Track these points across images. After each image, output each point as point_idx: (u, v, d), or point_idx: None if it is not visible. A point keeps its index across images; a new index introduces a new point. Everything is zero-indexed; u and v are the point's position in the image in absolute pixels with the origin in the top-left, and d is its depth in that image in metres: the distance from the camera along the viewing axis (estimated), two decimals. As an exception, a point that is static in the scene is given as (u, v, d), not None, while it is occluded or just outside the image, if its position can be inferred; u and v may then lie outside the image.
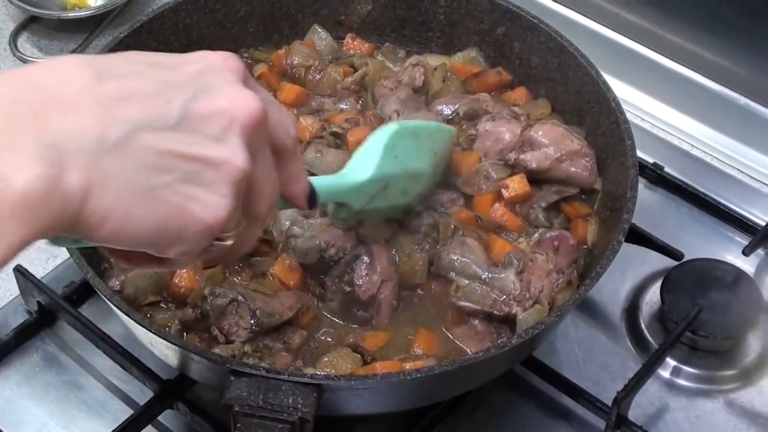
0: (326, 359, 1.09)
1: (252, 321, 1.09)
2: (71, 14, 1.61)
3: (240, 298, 1.10)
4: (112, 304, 1.04)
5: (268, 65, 1.32)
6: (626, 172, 1.13)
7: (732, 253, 1.33)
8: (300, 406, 0.95)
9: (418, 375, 1.01)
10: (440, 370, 1.01)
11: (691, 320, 1.20)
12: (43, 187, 0.69)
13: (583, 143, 1.21)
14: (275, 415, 0.95)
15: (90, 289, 1.24)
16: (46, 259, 1.32)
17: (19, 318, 1.27)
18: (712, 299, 1.23)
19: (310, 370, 1.07)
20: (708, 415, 1.21)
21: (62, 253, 1.31)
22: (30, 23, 1.65)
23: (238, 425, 0.94)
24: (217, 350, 1.07)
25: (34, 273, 1.24)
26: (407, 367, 1.08)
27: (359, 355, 1.10)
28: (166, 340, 1.01)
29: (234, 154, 0.78)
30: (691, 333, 1.21)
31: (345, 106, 1.28)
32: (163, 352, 1.07)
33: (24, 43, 1.62)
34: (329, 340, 1.13)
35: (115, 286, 1.13)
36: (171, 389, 1.15)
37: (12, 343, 1.25)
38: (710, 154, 1.45)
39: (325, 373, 1.04)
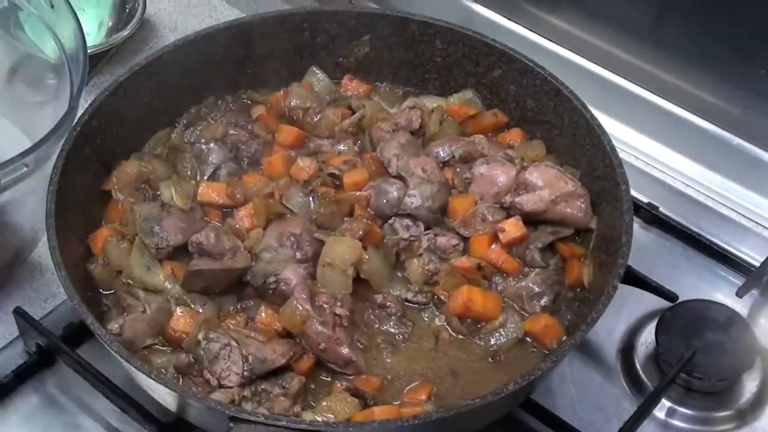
0: (325, 404, 1.10)
1: (244, 366, 1.11)
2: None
3: (233, 343, 1.12)
4: (113, 350, 1.05)
5: (267, 107, 1.34)
6: (621, 217, 1.15)
7: (726, 293, 1.34)
8: None
9: (416, 421, 1.03)
10: (437, 416, 1.03)
11: (686, 362, 1.21)
12: None
13: (578, 185, 1.23)
14: None
15: (89, 330, 1.23)
16: (45, 299, 1.34)
17: (19, 359, 1.28)
18: (706, 340, 1.25)
19: (308, 416, 1.09)
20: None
21: (61, 293, 1.32)
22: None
23: None
24: (217, 394, 1.08)
25: (32, 313, 1.26)
26: (404, 412, 1.09)
27: (357, 399, 1.11)
28: (165, 386, 1.03)
29: None
30: (685, 374, 1.22)
31: (343, 148, 1.30)
32: (162, 396, 1.08)
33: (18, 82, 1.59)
34: (329, 379, 1.15)
35: (114, 329, 1.15)
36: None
37: (11, 384, 1.25)
38: (704, 194, 1.47)
39: (323, 419, 1.06)
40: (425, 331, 1.20)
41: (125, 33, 1.52)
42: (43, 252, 1.40)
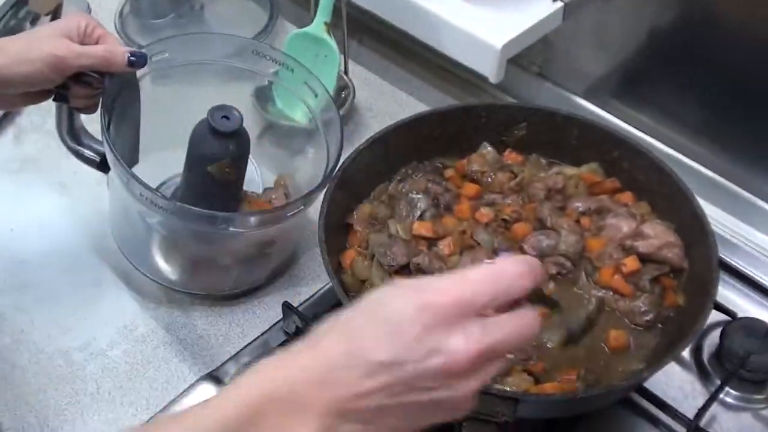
0: (510, 379, 1.22)
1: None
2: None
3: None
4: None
5: (455, 170, 1.45)
6: (710, 260, 1.27)
7: (766, 315, 1.45)
8: (506, 412, 1.10)
9: (581, 395, 1.18)
10: (595, 392, 1.19)
11: (744, 361, 1.34)
12: None
13: (676, 237, 1.34)
14: (488, 417, 1.09)
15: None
16: (299, 297, 1.46)
17: (282, 337, 1.39)
18: (755, 346, 1.36)
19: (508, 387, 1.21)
20: (748, 425, 1.35)
21: (308, 292, 1.47)
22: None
23: (464, 424, 1.07)
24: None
25: (293, 304, 1.38)
26: (563, 386, 1.22)
27: (531, 377, 1.23)
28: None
29: None
30: (741, 369, 1.34)
31: (509, 201, 1.41)
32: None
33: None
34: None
35: None
36: None
37: None
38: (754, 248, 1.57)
39: (520, 390, 1.19)
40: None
41: (341, 112, 1.57)
42: (299, 266, 1.53)
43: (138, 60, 1.21)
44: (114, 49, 1.18)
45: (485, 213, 1.40)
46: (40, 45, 1.13)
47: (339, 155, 1.35)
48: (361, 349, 0.74)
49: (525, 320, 0.78)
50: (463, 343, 0.74)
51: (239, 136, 1.30)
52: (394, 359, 0.73)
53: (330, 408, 0.73)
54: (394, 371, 0.73)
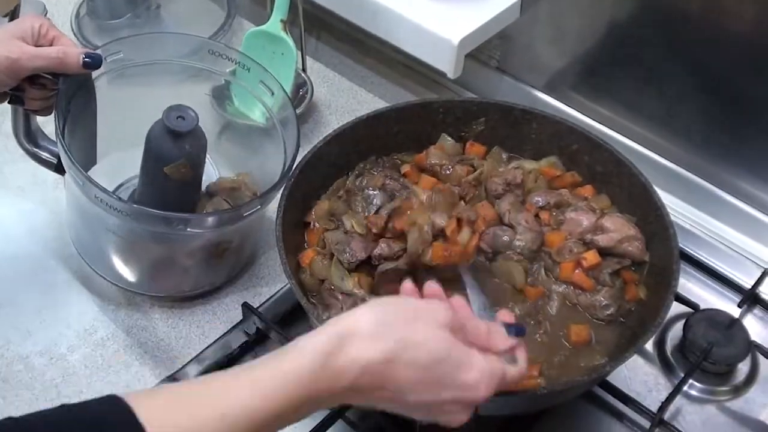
0: None
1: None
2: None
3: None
4: (317, 322, 1.16)
5: (411, 165, 1.43)
6: (671, 252, 1.25)
7: (729, 305, 1.44)
8: None
9: (542, 391, 1.16)
10: (556, 388, 1.17)
11: (707, 353, 1.33)
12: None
13: (637, 230, 1.32)
14: None
15: (294, 316, 1.35)
16: (259, 297, 1.44)
17: (242, 338, 1.37)
18: (717, 338, 1.35)
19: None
20: (712, 417, 1.34)
21: (269, 292, 1.44)
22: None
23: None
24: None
25: (253, 304, 1.36)
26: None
27: None
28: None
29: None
30: (704, 361, 1.33)
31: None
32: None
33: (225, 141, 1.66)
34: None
35: (323, 319, 1.24)
36: None
37: (237, 355, 1.35)
38: (711, 236, 1.56)
39: None
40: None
41: (300, 110, 1.60)
42: (258, 265, 1.52)
43: (93, 61, 1.19)
44: (68, 50, 1.17)
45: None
46: None
47: (296, 154, 1.34)
48: (399, 382, 0.87)
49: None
50: (465, 418, 0.93)
51: (195, 136, 1.29)
52: (418, 406, 0.90)
53: (341, 403, 0.88)
54: (408, 410, 0.92)
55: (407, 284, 0.97)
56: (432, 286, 0.96)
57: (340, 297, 1.29)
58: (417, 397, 0.86)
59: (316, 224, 1.38)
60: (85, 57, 1.23)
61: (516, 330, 0.96)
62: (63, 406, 0.83)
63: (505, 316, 0.98)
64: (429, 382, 0.86)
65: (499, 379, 0.90)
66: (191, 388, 0.88)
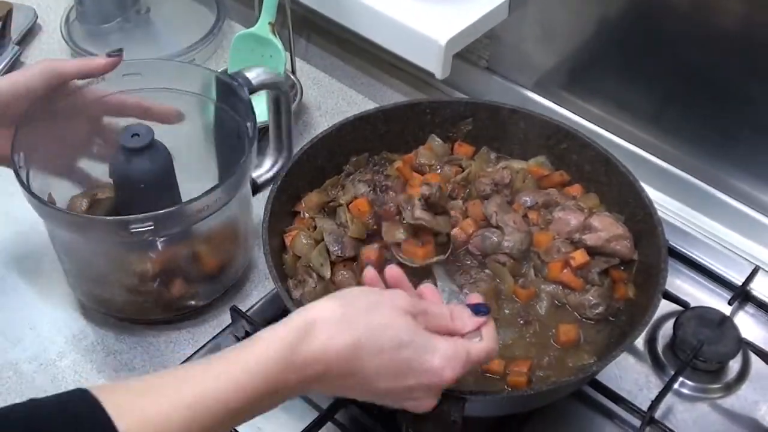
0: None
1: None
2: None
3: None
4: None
5: (403, 162, 1.42)
6: (659, 251, 1.25)
7: (720, 303, 1.44)
8: (453, 411, 1.06)
9: (530, 392, 1.15)
10: (544, 388, 1.15)
11: (697, 351, 1.32)
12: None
13: (625, 229, 1.31)
14: (436, 418, 1.05)
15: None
16: (247, 302, 1.43)
17: (231, 342, 1.35)
18: (708, 335, 1.34)
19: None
20: (703, 415, 1.33)
21: (257, 295, 1.44)
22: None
23: (414, 423, 1.05)
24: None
25: (242, 308, 1.35)
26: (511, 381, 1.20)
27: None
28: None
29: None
30: (695, 359, 1.32)
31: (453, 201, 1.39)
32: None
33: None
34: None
35: (296, 297, 1.27)
36: None
37: None
38: (703, 233, 1.56)
39: (468, 390, 1.14)
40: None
41: None
42: (246, 269, 1.50)
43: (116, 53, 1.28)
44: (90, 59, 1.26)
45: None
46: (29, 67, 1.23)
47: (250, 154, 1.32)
48: (366, 370, 0.89)
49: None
50: (434, 403, 0.98)
51: (155, 150, 1.28)
52: (386, 393, 0.93)
53: (308, 390, 0.90)
54: (376, 397, 0.95)
55: (369, 271, 1.03)
56: (393, 268, 1.02)
57: (314, 276, 1.30)
58: (384, 383, 0.88)
59: (306, 214, 1.37)
60: (107, 54, 1.28)
61: (479, 309, 0.98)
62: (32, 401, 0.82)
63: (473, 298, 1.00)
64: (395, 368, 0.88)
65: (463, 360, 0.92)
66: (160, 380, 0.87)
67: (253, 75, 1.33)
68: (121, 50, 1.28)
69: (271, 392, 0.84)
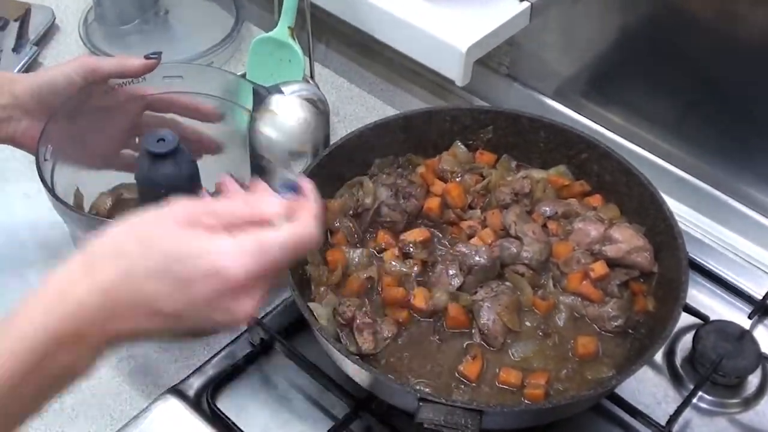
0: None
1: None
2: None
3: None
4: (325, 340, 1.17)
5: (426, 167, 1.42)
6: (680, 263, 1.24)
7: (740, 316, 1.43)
8: (470, 424, 1.07)
9: (548, 405, 1.15)
10: (562, 402, 1.16)
11: (716, 365, 1.31)
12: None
13: (645, 241, 1.30)
14: (453, 430, 1.07)
15: (297, 327, 1.34)
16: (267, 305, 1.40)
17: (247, 348, 1.36)
18: (728, 349, 1.33)
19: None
20: (722, 430, 1.32)
21: (280, 299, 1.41)
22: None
23: None
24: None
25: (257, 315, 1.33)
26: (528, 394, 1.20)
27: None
28: (360, 367, 1.15)
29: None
30: (714, 373, 1.31)
31: (473, 211, 1.41)
32: (357, 375, 1.18)
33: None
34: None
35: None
36: (362, 405, 1.25)
37: (242, 366, 1.34)
38: (723, 246, 1.54)
39: (485, 403, 1.16)
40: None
41: None
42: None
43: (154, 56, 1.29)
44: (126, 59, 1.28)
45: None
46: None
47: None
48: (146, 295, 0.80)
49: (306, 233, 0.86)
50: (251, 307, 0.83)
51: (179, 156, 1.28)
52: (180, 312, 0.81)
53: (108, 338, 0.80)
54: (178, 321, 0.81)
55: (224, 177, 0.96)
56: (225, 176, 0.96)
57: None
58: (172, 305, 0.80)
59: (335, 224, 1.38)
60: (145, 57, 1.30)
61: (286, 188, 0.90)
62: None
63: (302, 180, 0.93)
64: (173, 285, 0.80)
65: (252, 252, 0.82)
66: None
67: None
68: (159, 53, 1.30)
69: (60, 344, 0.77)
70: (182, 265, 0.80)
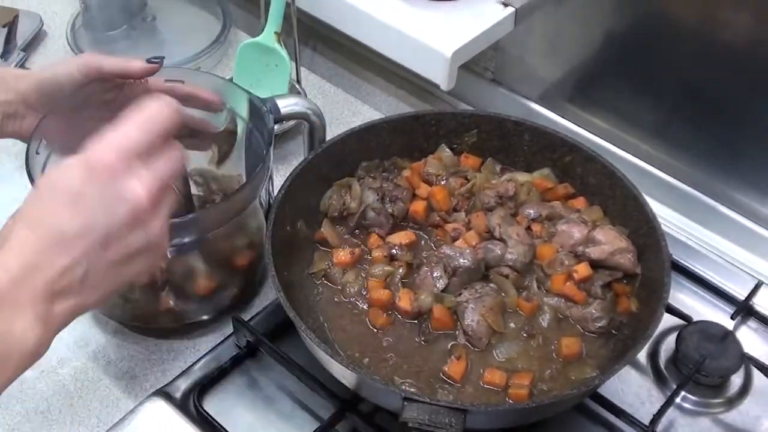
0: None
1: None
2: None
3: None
4: (311, 341, 1.17)
5: (411, 170, 1.43)
6: (663, 264, 1.25)
7: (722, 317, 1.43)
8: (453, 423, 1.08)
9: (531, 405, 1.16)
10: (545, 401, 1.16)
11: (699, 365, 1.32)
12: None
13: (628, 242, 1.31)
14: (437, 429, 1.08)
15: (283, 329, 1.34)
16: (249, 311, 1.42)
17: (233, 351, 1.36)
18: (710, 350, 1.34)
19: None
20: (705, 429, 1.33)
21: (260, 306, 1.43)
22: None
23: None
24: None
25: (244, 317, 1.36)
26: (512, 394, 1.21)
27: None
28: (346, 368, 1.15)
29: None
30: (697, 373, 1.32)
31: (458, 214, 1.42)
32: (343, 376, 1.19)
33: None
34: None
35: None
36: (348, 406, 1.26)
37: (228, 368, 1.35)
38: (706, 247, 1.55)
39: (470, 403, 1.17)
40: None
41: (293, 123, 1.61)
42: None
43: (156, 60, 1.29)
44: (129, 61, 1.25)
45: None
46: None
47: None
48: (50, 228, 0.80)
49: (176, 152, 0.87)
50: (138, 186, 0.82)
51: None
52: (84, 225, 0.80)
53: (39, 295, 0.80)
54: (87, 236, 0.80)
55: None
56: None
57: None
58: (74, 221, 0.81)
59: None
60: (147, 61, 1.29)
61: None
62: None
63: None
64: (64, 201, 0.81)
65: (110, 135, 0.83)
66: None
67: (284, 104, 1.35)
68: (161, 58, 1.29)
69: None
70: (60, 182, 0.81)
